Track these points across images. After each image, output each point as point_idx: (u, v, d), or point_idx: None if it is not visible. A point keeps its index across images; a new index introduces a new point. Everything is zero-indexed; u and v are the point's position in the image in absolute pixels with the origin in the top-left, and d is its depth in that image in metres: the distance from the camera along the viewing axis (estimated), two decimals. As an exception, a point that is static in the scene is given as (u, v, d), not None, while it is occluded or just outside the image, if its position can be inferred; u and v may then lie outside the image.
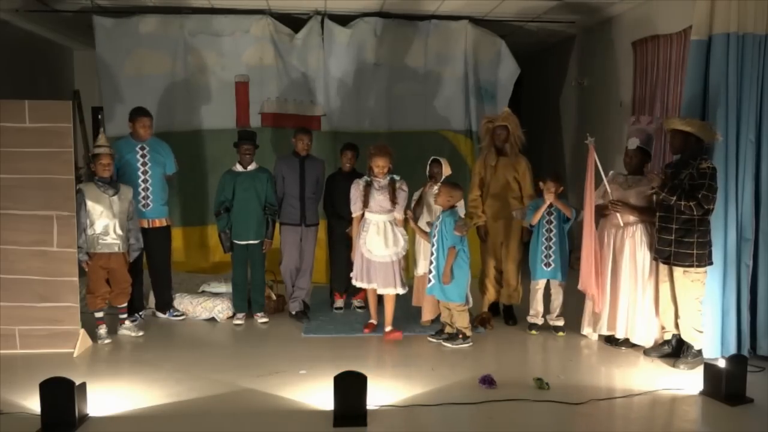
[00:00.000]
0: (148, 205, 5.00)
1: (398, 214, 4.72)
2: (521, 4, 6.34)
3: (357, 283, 4.87)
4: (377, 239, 4.67)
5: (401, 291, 4.76)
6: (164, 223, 5.17)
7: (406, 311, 5.26)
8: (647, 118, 4.79)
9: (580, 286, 4.62)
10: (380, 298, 4.97)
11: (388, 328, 4.79)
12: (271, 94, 6.72)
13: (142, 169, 5.01)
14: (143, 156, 5.02)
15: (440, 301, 4.65)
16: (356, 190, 4.76)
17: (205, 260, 6.71)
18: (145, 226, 5.01)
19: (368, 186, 4.72)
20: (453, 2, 6.30)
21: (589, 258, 4.47)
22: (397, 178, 4.78)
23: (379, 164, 4.69)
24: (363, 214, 4.75)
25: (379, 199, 4.68)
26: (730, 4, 4.13)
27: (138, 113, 5.06)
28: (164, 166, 5.17)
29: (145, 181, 5.00)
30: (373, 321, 5.02)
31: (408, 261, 5.39)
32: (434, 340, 4.65)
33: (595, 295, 4.53)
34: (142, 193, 4.98)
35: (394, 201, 4.67)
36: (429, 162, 5.02)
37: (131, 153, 5.00)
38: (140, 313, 5.10)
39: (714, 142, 4.11)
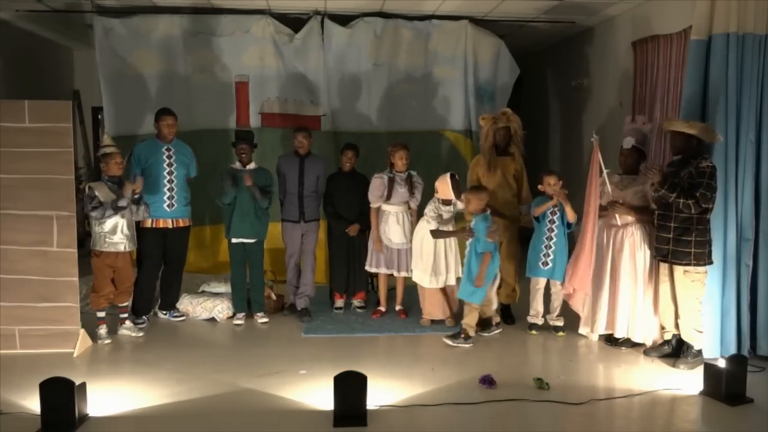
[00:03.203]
0: (173, 205, 5.02)
1: (413, 204, 5.16)
2: (521, 4, 6.34)
3: (370, 268, 5.26)
4: (397, 228, 5.12)
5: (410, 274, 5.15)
6: (187, 223, 5.20)
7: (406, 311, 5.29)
8: (643, 118, 4.80)
9: (568, 285, 4.61)
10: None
11: (398, 307, 5.31)
12: (271, 94, 6.71)
13: (168, 170, 5.03)
14: (169, 157, 5.04)
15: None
16: (380, 183, 5.12)
17: (205, 260, 6.71)
18: (170, 225, 5.04)
19: (391, 181, 5.09)
20: (453, 2, 6.30)
21: (588, 257, 4.46)
22: (413, 173, 5.20)
23: (403, 156, 5.11)
24: (380, 206, 5.15)
25: (401, 192, 5.11)
26: (730, 4, 4.13)
27: (161, 113, 5.08)
28: (187, 168, 5.19)
29: (170, 182, 5.02)
30: (382, 308, 5.35)
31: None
32: (486, 334, 4.82)
33: (580, 295, 4.53)
34: (167, 194, 5.00)
35: (412, 192, 5.10)
36: (449, 178, 4.87)
37: (158, 154, 5.02)
38: (147, 316, 5.11)
39: (714, 142, 4.12)
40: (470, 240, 4.60)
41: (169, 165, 5.04)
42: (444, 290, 5.05)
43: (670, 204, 4.01)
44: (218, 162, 6.21)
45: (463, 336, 4.58)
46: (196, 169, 5.32)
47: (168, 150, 5.05)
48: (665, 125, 4.22)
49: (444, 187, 4.86)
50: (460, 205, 4.89)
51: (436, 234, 4.86)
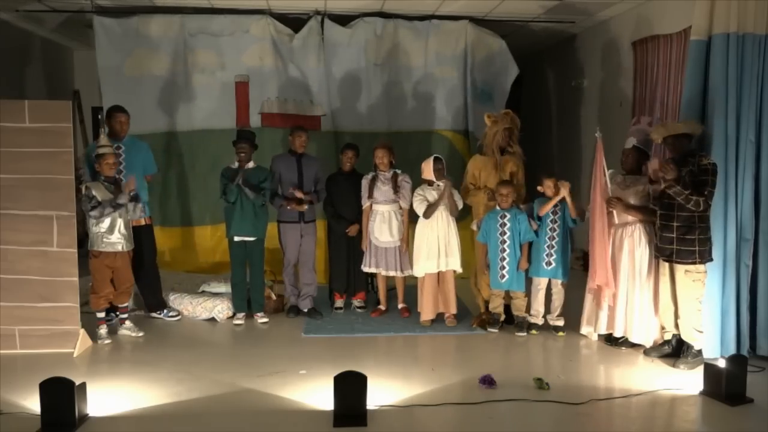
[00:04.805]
0: (142, 204, 4.96)
1: (404, 204, 5.13)
2: (521, 4, 6.34)
3: (366, 268, 5.29)
4: (383, 227, 5.14)
5: (408, 273, 5.18)
6: (141, 223, 5.05)
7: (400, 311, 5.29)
8: (648, 118, 4.80)
9: (593, 283, 4.52)
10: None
11: (401, 306, 5.35)
12: (271, 94, 6.72)
13: (116, 168, 4.89)
14: (118, 156, 4.92)
15: (496, 292, 4.93)
16: (365, 183, 5.21)
17: (204, 260, 6.71)
18: None
19: (374, 179, 5.16)
20: (453, 2, 6.31)
21: (604, 251, 4.45)
22: (399, 171, 5.20)
23: (378, 155, 5.16)
24: (371, 206, 5.19)
25: (384, 189, 5.13)
26: (730, 4, 4.13)
27: (113, 109, 5.03)
28: (143, 168, 5.09)
29: (119, 180, 4.91)
30: (382, 306, 5.38)
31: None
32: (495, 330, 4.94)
33: (608, 290, 4.50)
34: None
35: (396, 191, 5.11)
36: (432, 160, 4.96)
37: None
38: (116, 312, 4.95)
39: (712, 142, 4.12)
40: (508, 234, 4.79)
41: (118, 164, 4.90)
42: (442, 287, 5.03)
43: (672, 204, 4.01)
44: (217, 162, 6.22)
45: (501, 321, 4.97)
46: (154, 167, 5.26)
47: (118, 148, 4.93)
48: (658, 135, 4.17)
49: (426, 168, 4.97)
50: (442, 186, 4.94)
51: (427, 212, 4.90)
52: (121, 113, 5.02)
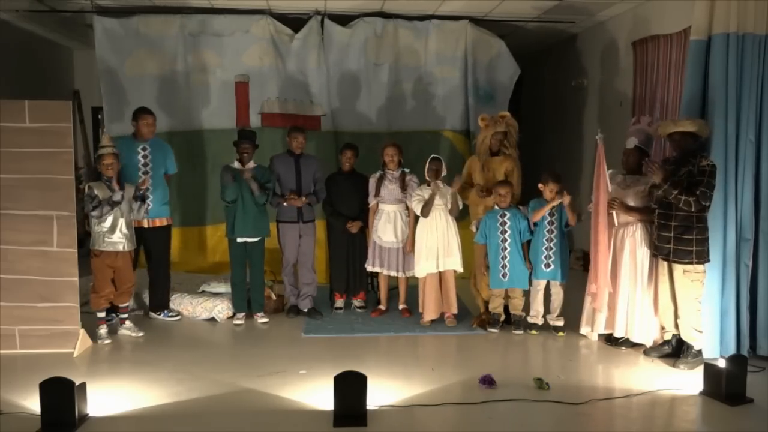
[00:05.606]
0: (149, 205, 4.99)
1: (409, 203, 5.08)
2: (521, 4, 6.35)
3: (370, 267, 5.28)
4: (388, 227, 5.16)
5: (411, 274, 5.16)
6: (164, 223, 5.16)
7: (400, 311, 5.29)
8: (648, 118, 4.79)
9: (594, 287, 4.50)
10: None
11: (401, 306, 5.35)
12: (271, 94, 6.72)
13: (143, 169, 5.01)
14: (145, 156, 5.03)
15: (496, 292, 4.93)
16: (372, 182, 5.22)
17: (204, 260, 6.72)
18: (145, 225, 5.01)
19: (381, 178, 5.17)
20: (453, 2, 6.31)
21: (606, 257, 4.44)
22: (407, 170, 5.22)
23: (389, 152, 5.16)
24: (377, 205, 5.20)
25: (391, 188, 5.15)
26: (730, 4, 4.13)
27: (141, 111, 5.08)
28: (165, 167, 5.17)
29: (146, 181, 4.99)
30: (382, 306, 5.39)
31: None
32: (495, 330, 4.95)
33: (602, 293, 4.50)
34: None
35: (404, 190, 5.12)
36: (429, 160, 4.99)
37: (132, 153, 5.00)
38: (116, 313, 4.94)
39: (712, 141, 4.12)
40: (509, 233, 4.82)
41: (145, 165, 5.01)
42: (442, 287, 5.04)
43: (670, 203, 4.01)
44: (217, 162, 6.22)
45: (501, 321, 4.96)
46: (175, 166, 5.32)
47: (144, 149, 5.02)
48: (664, 129, 4.18)
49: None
50: (440, 185, 4.93)
51: (424, 211, 4.89)
52: (148, 115, 5.08)
